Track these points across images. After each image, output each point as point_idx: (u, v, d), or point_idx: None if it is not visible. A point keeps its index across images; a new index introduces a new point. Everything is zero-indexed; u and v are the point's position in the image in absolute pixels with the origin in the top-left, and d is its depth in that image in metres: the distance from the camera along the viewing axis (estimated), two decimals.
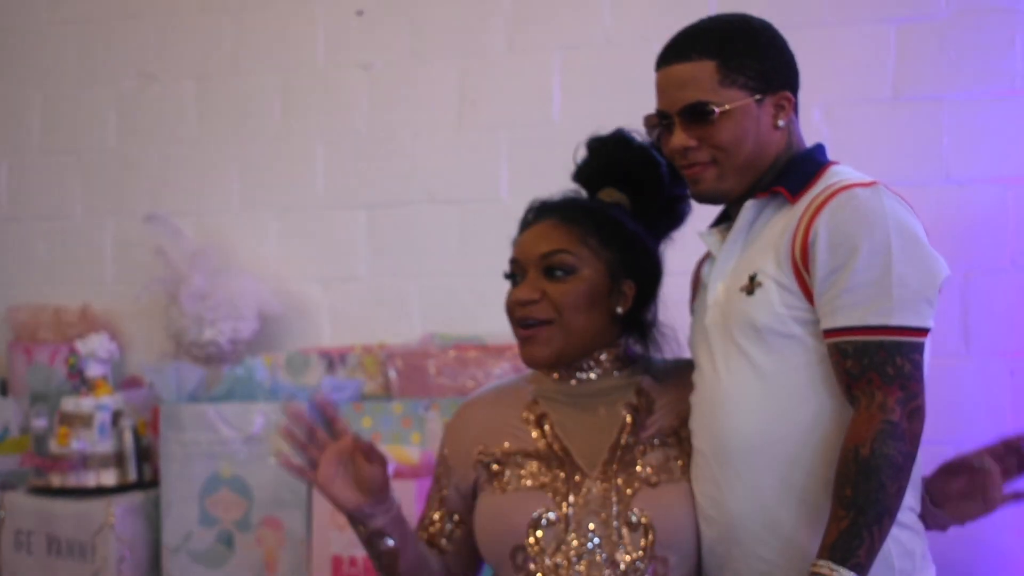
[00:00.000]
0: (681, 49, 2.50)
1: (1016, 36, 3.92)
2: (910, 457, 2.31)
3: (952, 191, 3.91)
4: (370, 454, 2.44)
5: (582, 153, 2.71)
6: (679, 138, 2.48)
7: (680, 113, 2.48)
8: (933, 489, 2.60)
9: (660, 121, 2.53)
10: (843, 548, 2.27)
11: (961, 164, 3.96)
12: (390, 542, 2.50)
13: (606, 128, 2.71)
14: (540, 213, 2.62)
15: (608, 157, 2.68)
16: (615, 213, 2.61)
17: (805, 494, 2.41)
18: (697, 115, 2.46)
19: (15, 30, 5.26)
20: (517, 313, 2.56)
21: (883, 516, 2.29)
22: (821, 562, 2.27)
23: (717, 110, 2.44)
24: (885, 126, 4.01)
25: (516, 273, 2.59)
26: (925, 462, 2.47)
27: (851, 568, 2.25)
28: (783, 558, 2.42)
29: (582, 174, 2.71)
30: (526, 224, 2.64)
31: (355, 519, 2.50)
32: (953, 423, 3.72)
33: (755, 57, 2.48)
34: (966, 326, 3.90)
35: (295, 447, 2.48)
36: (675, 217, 2.73)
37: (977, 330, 3.91)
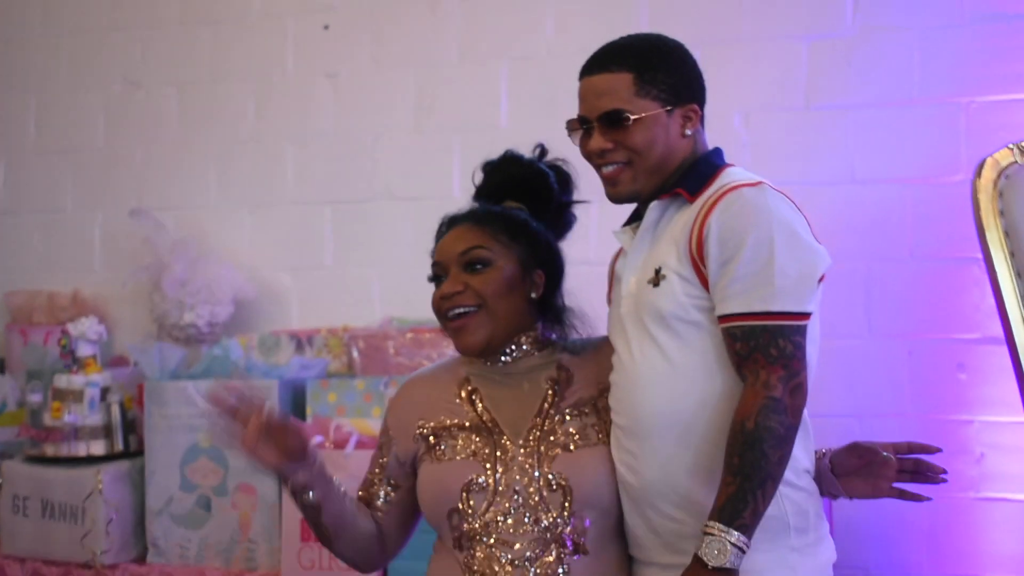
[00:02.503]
0: (602, 61, 2.54)
1: (914, 52, 3.97)
2: (792, 428, 2.36)
3: (857, 190, 3.97)
4: (283, 426, 2.47)
5: (479, 177, 2.77)
6: (597, 141, 2.52)
7: (599, 119, 2.52)
8: (836, 460, 2.63)
9: (581, 125, 2.56)
10: (731, 511, 2.32)
11: (865, 166, 4.02)
12: (311, 495, 2.52)
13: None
14: (452, 222, 2.67)
15: (503, 174, 2.73)
16: (518, 215, 2.66)
17: (709, 463, 2.43)
18: (614, 121, 2.50)
19: (11, 40, 5.27)
20: (444, 307, 2.60)
21: (766, 482, 2.34)
22: (711, 523, 2.32)
23: (632, 117, 2.48)
24: (798, 132, 4.06)
25: (439, 275, 2.63)
26: (831, 432, 2.53)
27: (737, 528, 2.30)
28: (691, 517, 2.44)
29: (483, 192, 2.76)
30: (441, 235, 2.68)
31: (281, 476, 2.53)
32: (857, 398, 3.79)
33: (667, 73, 2.52)
34: (869, 311, 3.95)
35: (222, 422, 2.49)
36: (565, 221, 2.79)
37: (878, 314, 3.96)
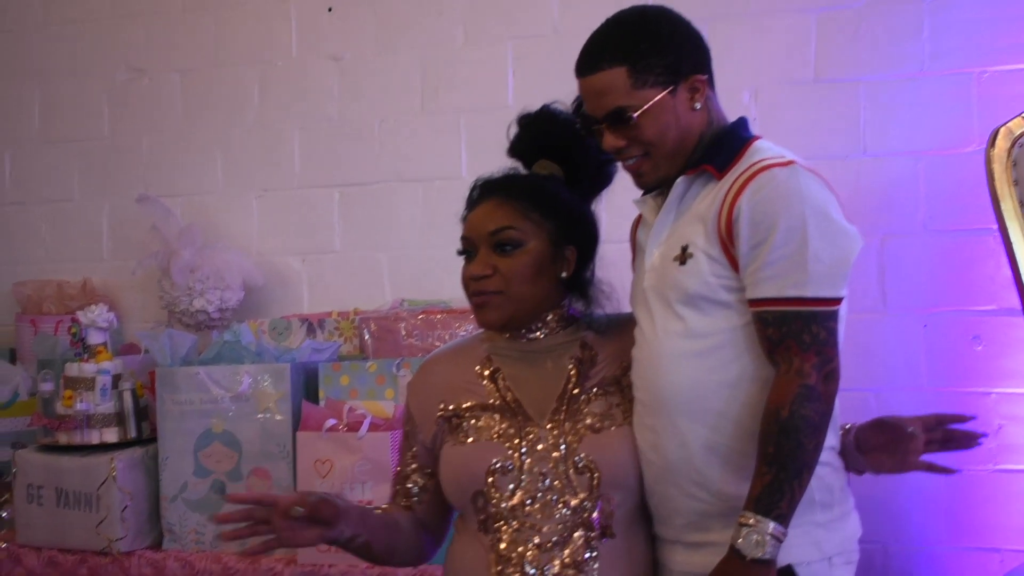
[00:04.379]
0: (593, 60, 2.50)
1: (924, 22, 3.94)
2: (826, 415, 2.36)
3: (869, 163, 3.94)
4: (311, 508, 2.45)
5: (514, 130, 2.72)
6: (609, 140, 2.51)
7: (604, 119, 2.50)
8: (861, 436, 2.63)
9: (591, 126, 2.54)
10: (767, 501, 2.32)
11: (876, 139, 3.99)
12: (361, 539, 2.53)
13: (534, 110, 2.71)
14: (484, 191, 2.63)
15: (538, 131, 2.68)
16: (552, 186, 2.62)
17: (730, 443, 2.44)
18: (619, 119, 2.47)
19: (14, 30, 5.26)
20: (471, 287, 2.58)
21: (802, 471, 2.34)
22: (747, 513, 2.32)
23: (635, 113, 2.45)
24: (808, 106, 4.03)
25: (468, 250, 2.60)
26: (848, 407, 2.50)
27: (774, 519, 2.30)
28: (712, 496, 2.45)
29: (516, 149, 2.71)
30: (472, 202, 2.65)
31: (332, 543, 2.53)
32: (873, 372, 3.76)
33: (660, 54, 2.47)
34: (883, 285, 3.94)
35: (249, 533, 2.47)
36: (604, 177, 2.73)
37: (893, 288, 3.94)
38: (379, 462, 3.76)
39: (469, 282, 2.58)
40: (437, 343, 4.04)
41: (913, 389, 3.85)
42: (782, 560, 2.36)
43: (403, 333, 4.13)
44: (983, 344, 3.89)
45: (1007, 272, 3.55)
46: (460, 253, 2.63)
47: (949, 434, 2.68)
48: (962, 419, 2.68)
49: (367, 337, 4.19)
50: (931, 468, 2.68)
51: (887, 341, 3.92)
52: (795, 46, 4.07)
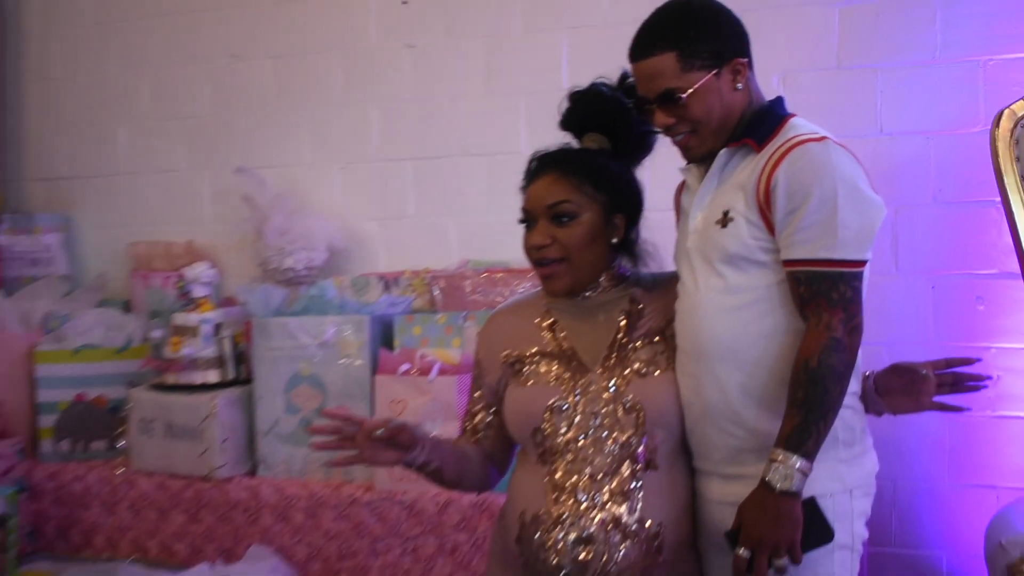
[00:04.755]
0: (645, 46, 2.48)
1: (936, 15, 3.89)
2: (850, 365, 2.37)
3: (885, 142, 3.90)
4: (392, 431, 2.49)
5: (565, 105, 2.70)
6: (660, 118, 2.50)
7: (656, 100, 2.48)
8: (880, 381, 2.64)
9: (644, 106, 2.53)
10: (796, 440, 2.33)
11: (892, 120, 3.95)
12: (434, 465, 2.56)
13: (583, 87, 2.71)
14: (542, 165, 2.62)
15: (586, 106, 2.67)
16: (602, 160, 2.61)
17: (763, 388, 2.44)
18: (669, 100, 2.46)
19: (127, 21, 5.28)
20: (534, 255, 2.58)
21: (828, 414, 2.35)
22: (777, 451, 2.33)
23: (684, 95, 2.44)
24: (830, 90, 3.99)
25: (528, 220, 2.59)
26: (863, 359, 2.49)
27: (801, 455, 2.31)
28: (747, 434, 2.46)
29: (567, 122, 2.70)
30: (531, 175, 2.64)
31: (407, 467, 2.55)
32: (886, 328, 3.73)
33: (706, 40, 2.46)
34: (896, 250, 3.91)
35: (336, 446, 2.53)
36: (645, 146, 2.71)
37: (904, 254, 3.92)
38: (447, 402, 3.78)
39: (531, 250, 2.58)
40: (498, 299, 4.04)
41: (921, 344, 3.81)
42: (807, 492, 2.36)
43: (468, 289, 4.14)
44: (985, 304, 3.87)
45: (1008, 240, 3.55)
46: (521, 222, 2.62)
47: (957, 377, 2.69)
48: (968, 362, 2.69)
49: (436, 293, 4.20)
50: (942, 407, 2.69)
51: (899, 300, 3.89)
52: (820, 35, 4.04)
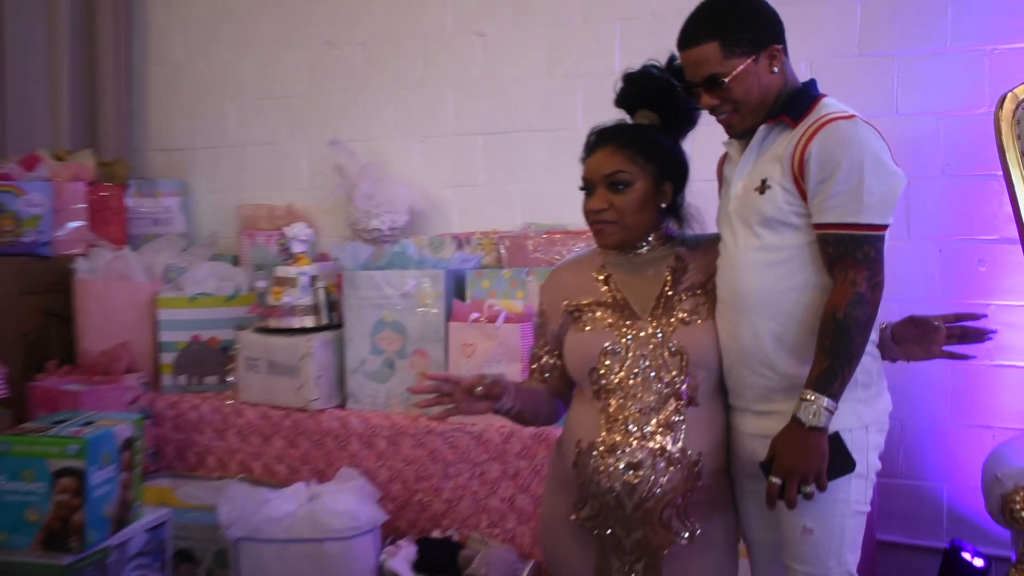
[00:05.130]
0: (691, 37, 2.48)
1: (948, 8, 3.86)
2: (872, 317, 2.37)
3: (900, 121, 3.87)
4: (482, 383, 2.54)
5: (619, 85, 2.69)
6: (706, 100, 2.50)
7: (702, 84, 2.48)
8: (896, 331, 2.64)
9: (691, 89, 2.53)
10: (824, 382, 2.34)
11: (906, 101, 3.92)
12: (516, 408, 2.59)
13: (635, 69, 2.69)
14: (600, 139, 2.62)
15: (639, 85, 2.65)
16: (652, 134, 2.61)
17: (793, 335, 2.44)
18: (714, 84, 2.46)
19: (236, 12, 5.32)
20: (591, 218, 2.59)
21: (852, 360, 2.36)
22: (807, 391, 2.35)
23: (727, 79, 2.44)
24: (852, 74, 3.95)
25: (588, 188, 2.60)
26: (879, 312, 2.48)
27: (829, 396, 2.33)
28: (777, 375, 2.47)
29: (621, 100, 2.68)
30: (590, 147, 2.64)
31: (494, 412, 2.58)
32: (898, 286, 3.68)
33: (745, 29, 2.45)
34: (908, 218, 3.89)
35: (436, 402, 2.55)
36: (691, 121, 2.70)
37: (915, 221, 3.90)
38: (511, 346, 3.81)
39: (590, 213, 2.59)
40: (556, 257, 4.05)
41: (928, 300, 3.79)
42: (832, 428, 2.38)
43: (530, 248, 4.14)
44: (986, 266, 3.85)
45: (1008, 209, 3.53)
46: (581, 189, 2.63)
47: (965, 330, 2.68)
48: (975, 317, 2.68)
49: (503, 251, 4.21)
50: (950, 356, 2.68)
51: (910, 262, 3.86)
52: (844, 26, 4.01)
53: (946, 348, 2.67)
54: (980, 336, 2.69)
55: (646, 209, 2.57)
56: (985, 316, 2.70)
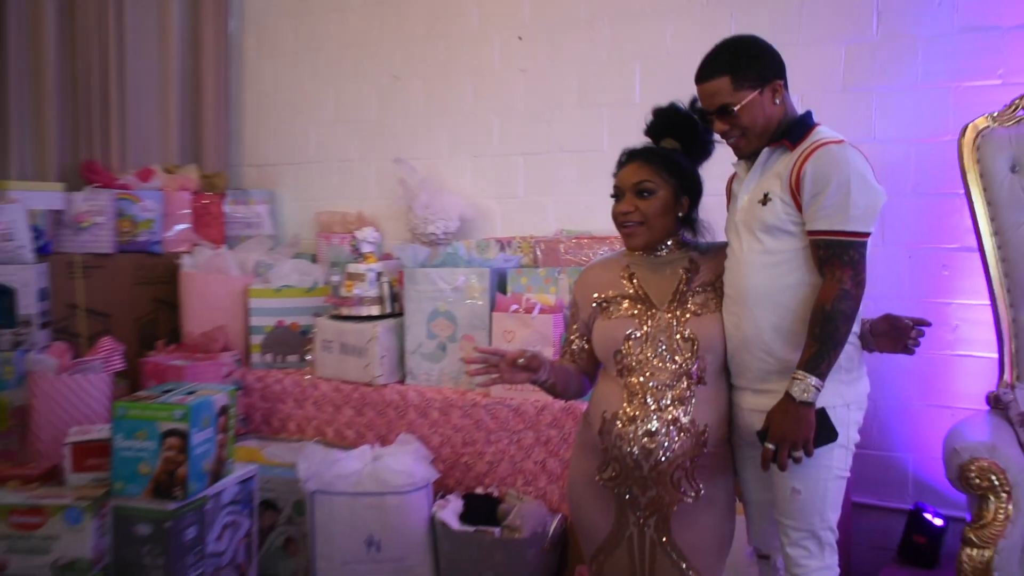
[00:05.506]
0: (707, 72, 2.51)
1: (919, 51, 3.81)
2: (855, 310, 2.39)
3: (876, 146, 3.79)
4: (523, 355, 2.55)
5: (649, 117, 2.71)
6: (719, 126, 2.52)
7: (715, 112, 2.50)
8: (875, 326, 2.62)
9: (707, 116, 2.55)
10: (812, 364, 2.36)
11: (883, 130, 3.88)
12: (551, 381, 2.61)
13: (664, 104, 2.71)
14: (630, 157, 2.64)
15: (665, 118, 2.67)
16: (675, 156, 2.62)
17: (788, 326, 2.45)
18: (725, 112, 2.48)
19: (317, 50, 5.32)
20: (620, 219, 2.61)
21: (837, 345, 2.38)
22: (799, 372, 2.37)
23: (736, 108, 2.46)
24: (837, 106, 3.91)
25: (618, 195, 2.62)
26: None
27: (816, 376, 2.36)
28: (774, 360, 2.47)
29: (651, 130, 2.70)
30: (621, 164, 2.65)
31: (531, 383, 2.59)
32: (873, 287, 3.60)
33: (753, 67, 2.47)
34: (883, 228, 3.82)
35: (484, 372, 2.56)
36: (706, 152, 2.71)
37: (889, 230, 3.85)
38: (544, 334, 3.80)
39: (618, 216, 2.61)
40: (584, 259, 4.07)
41: (899, 299, 3.75)
42: (818, 404, 2.39)
43: (562, 251, 4.16)
44: (948, 270, 3.81)
45: (968, 223, 3.50)
46: (612, 196, 2.64)
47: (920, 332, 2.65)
48: (925, 323, 2.64)
49: (538, 253, 4.22)
50: (909, 352, 2.65)
51: (883, 266, 3.79)
52: (831, 66, 3.97)
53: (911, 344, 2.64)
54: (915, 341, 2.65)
55: (667, 215, 2.58)
56: (930, 324, 2.66)
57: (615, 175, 2.64)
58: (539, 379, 2.59)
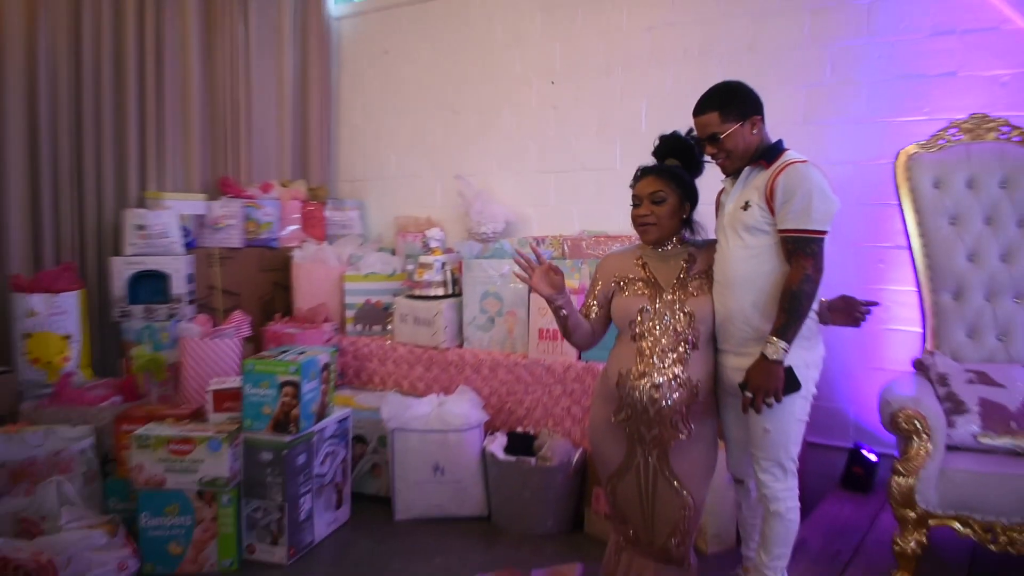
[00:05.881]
0: (700, 108, 2.51)
1: (863, 93, 3.78)
2: (815, 291, 2.39)
3: (830, 167, 3.63)
4: (556, 271, 2.55)
5: (656, 142, 2.69)
6: (708, 149, 2.53)
7: (706, 139, 2.51)
8: (832, 304, 2.63)
9: (700, 141, 2.54)
10: (781, 331, 2.38)
11: (835, 154, 3.84)
12: (564, 312, 2.57)
13: (667, 132, 2.69)
14: (645, 172, 2.61)
15: (669, 144, 2.65)
16: (679, 171, 2.61)
17: (765, 302, 2.45)
18: (714, 140, 2.49)
19: (397, 90, 5.29)
20: (638, 220, 2.59)
21: (801, 318, 2.39)
22: (772, 338, 2.39)
23: (722, 136, 2.46)
24: (799, 136, 3.84)
25: (637, 202, 2.59)
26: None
27: (785, 340, 2.37)
28: (751, 329, 2.47)
29: (657, 152, 2.68)
30: (637, 178, 2.63)
31: (550, 301, 2.56)
32: (826, 275, 3.70)
33: (737, 105, 2.47)
34: (833, 230, 3.60)
35: (522, 269, 2.56)
36: (700, 169, 2.66)
37: (838, 232, 3.70)
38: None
39: (637, 218, 2.59)
40: (601, 252, 4.05)
41: (845, 286, 3.65)
42: (786, 364, 2.40)
43: (584, 246, 4.15)
44: (883, 263, 3.78)
45: (899, 226, 3.46)
46: (632, 204, 2.61)
47: (868, 310, 2.64)
48: (873, 304, 2.63)
49: (566, 248, 4.21)
50: (856, 324, 2.63)
51: (833, 259, 3.65)
52: (794, 104, 3.94)
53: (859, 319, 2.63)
54: (865, 313, 2.63)
55: (674, 217, 2.58)
56: (878, 304, 2.66)
57: (632, 187, 2.62)
58: (557, 300, 2.54)
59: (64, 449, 3.34)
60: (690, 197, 2.62)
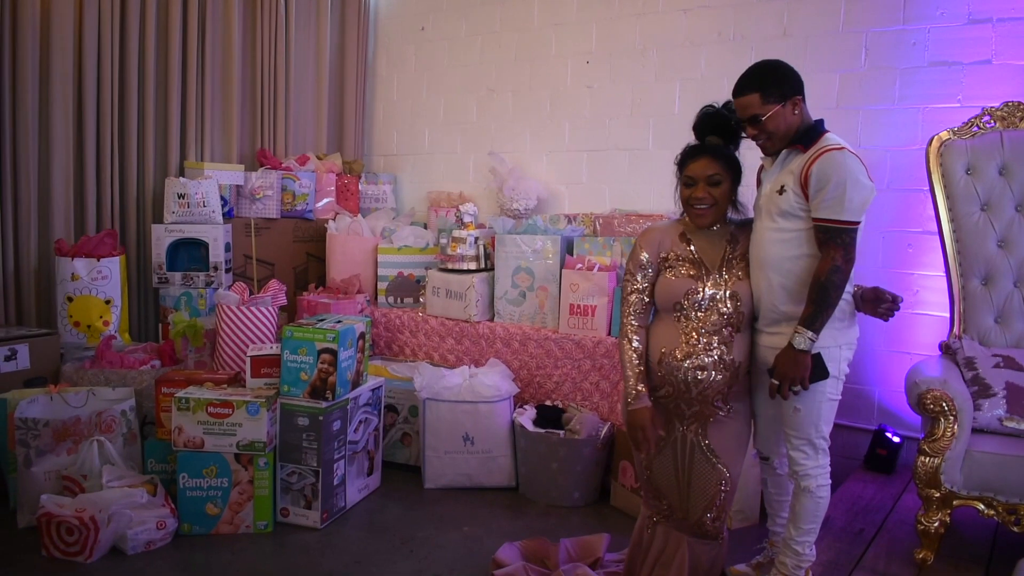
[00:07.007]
0: (741, 89, 2.47)
1: (896, 80, 3.76)
2: (844, 281, 2.37)
3: (862, 152, 3.60)
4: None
5: (696, 118, 2.60)
6: (750, 132, 2.50)
7: (747, 121, 2.47)
8: (864, 293, 2.57)
9: (741, 123, 2.50)
10: (809, 321, 2.37)
11: (867, 139, 3.82)
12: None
13: (709, 106, 2.62)
14: (698, 152, 2.54)
15: (709, 119, 2.57)
16: (730, 152, 2.56)
17: (794, 287, 2.44)
18: (755, 121, 2.46)
19: (433, 69, 5.32)
20: (695, 204, 2.53)
21: (829, 307, 2.37)
22: (800, 327, 2.37)
23: (763, 118, 2.43)
24: (831, 121, 3.73)
25: (691, 183, 2.52)
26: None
27: (811, 330, 2.36)
28: (781, 313, 2.47)
29: (698, 128, 2.59)
30: (690, 156, 2.54)
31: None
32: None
33: (777, 85, 2.44)
34: (864, 215, 3.78)
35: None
36: (738, 143, 2.59)
37: (868, 217, 3.73)
38: (601, 287, 3.80)
39: (693, 201, 2.52)
40: (632, 231, 4.04)
41: (874, 270, 3.76)
42: (815, 349, 2.40)
43: (615, 224, 4.13)
44: (913, 248, 3.76)
45: (930, 212, 3.48)
46: (687, 184, 2.54)
47: (896, 306, 2.59)
48: (897, 298, 2.57)
49: (597, 226, 4.20)
50: (885, 317, 2.59)
51: (863, 244, 3.66)
52: (826, 89, 3.92)
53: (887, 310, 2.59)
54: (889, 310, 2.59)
55: (727, 199, 2.54)
56: (902, 299, 2.60)
57: (685, 166, 2.54)
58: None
59: (105, 410, 3.40)
60: (738, 178, 2.55)
